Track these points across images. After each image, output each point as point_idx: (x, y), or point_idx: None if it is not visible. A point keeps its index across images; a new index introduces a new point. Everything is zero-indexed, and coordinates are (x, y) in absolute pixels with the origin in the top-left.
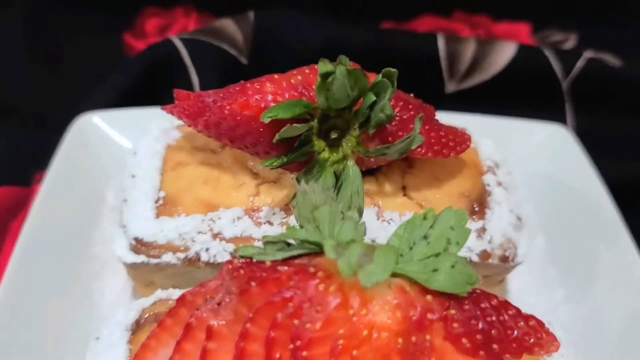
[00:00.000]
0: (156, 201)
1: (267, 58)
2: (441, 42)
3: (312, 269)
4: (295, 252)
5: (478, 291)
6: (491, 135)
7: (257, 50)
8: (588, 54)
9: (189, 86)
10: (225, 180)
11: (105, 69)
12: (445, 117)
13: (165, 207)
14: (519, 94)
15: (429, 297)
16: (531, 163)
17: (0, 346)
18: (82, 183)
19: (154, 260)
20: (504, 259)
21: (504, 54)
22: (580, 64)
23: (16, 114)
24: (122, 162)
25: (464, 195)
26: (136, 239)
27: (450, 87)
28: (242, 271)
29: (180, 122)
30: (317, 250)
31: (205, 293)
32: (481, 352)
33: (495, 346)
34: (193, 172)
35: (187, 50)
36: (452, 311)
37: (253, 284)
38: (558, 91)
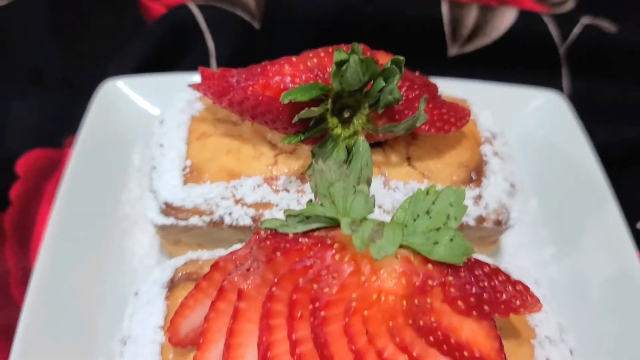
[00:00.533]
0: (183, 169)
1: (279, 23)
2: (445, 8)
3: (329, 241)
4: (314, 226)
5: (473, 260)
6: (489, 102)
7: (269, 15)
8: (585, 20)
9: (205, 51)
10: (246, 151)
11: (128, 33)
12: (448, 84)
13: (191, 174)
14: (518, 58)
15: (429, 266)
16: (527, 129)
17: (43, 302)
18: (109, 146)
19: (182, 223)
20: (498, 222)
21: (505, 19)
22: (577, 30)
23: (46, 80)
24: (146, 126)
25: (463, 165)
26: (166, 204)
27: (453, 50)
28: (268, 242)
29: (200, 103)
30: (333, 224)
31: (235, 260)
32: (474, 313)
33: (486, 307)
34: (216, 142)
35: (203, 17)
36: (450, 278)
37: (278, 253)
38: (555, 56)
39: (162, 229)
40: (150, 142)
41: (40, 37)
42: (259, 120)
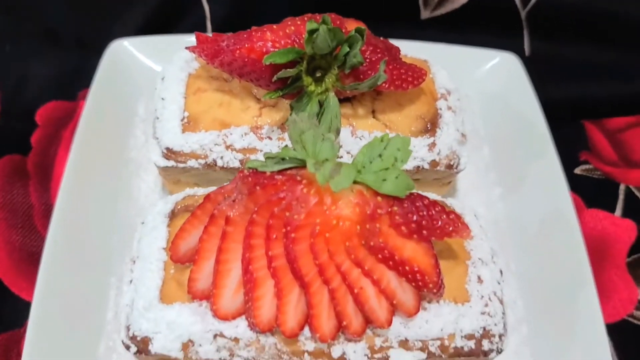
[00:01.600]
0: (182, 119)
1: None
2: None
3: (299, 178)
4: (287, 165)
5: (415, 194)
6: (451, 62)
7: None
8: None
9: (202, 15)
10: (235, 104)
11: None
12: (415, 45)
13: (189, 124)
14: (484, 21)
15: (379, 198)
16: (484, 86)
17: (64, 232)
18: (117, 99)
19: (181, 165)
20: (449, 167)
21: None
22: None
23: (59, 40)
24: (149, 81)
25: (420, 117)
26: (167, 149)
27: (425, 14)
28: (250, 179)
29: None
30: (303, 165)
31: (224, 193)
32: (414, 236)
33: (424, 232)
34: (210, 97)
35: None
36: (395, 208)
37: (257, 187)
38: (517, 20)
39: (164, 171)
40: (153, 95)
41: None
42: (246, 78)
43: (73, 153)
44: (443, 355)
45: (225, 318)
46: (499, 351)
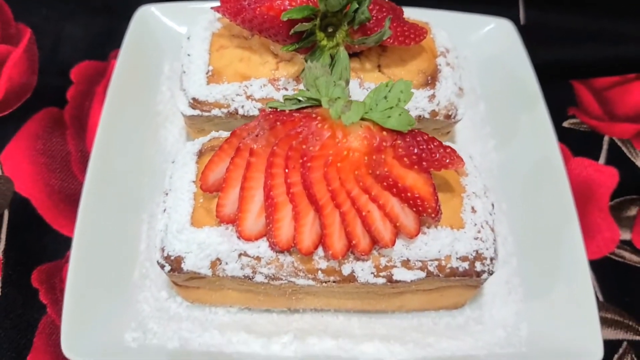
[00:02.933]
0: (207, 73)
1: None
2: None
3: (314, 115)
4: (303, 105)
5: (416, 130)
6: (450, 27)
7: None
8: None
9: None
10: (255, 59)
11: None
12: (416, 11)
13: (213, 77)
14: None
15: (384, 132)
16: (481, 49)
17: (100, 176)
18: (145, 59)
19: (205, 114)
20: (447, 117)
21: None
22: None
23: (90, 5)
24: (174, 43)
25: (422, 72)
26: (193, 99)
27: None
28: (271, 116)
29: (219, 22)
30: (318, 104)
31: (248, 129)
32: (415, 167)
33: (424, 163)
34: (232, 53)
35: None
36: (399, 141)
37: (278, 123)
38: None
39: (189, 120)
40: (177, 56)
41: None
42: (265, 34)
43: (106, 106)
44: (440, 275)
45: (248, 238)
46: (490, 273)
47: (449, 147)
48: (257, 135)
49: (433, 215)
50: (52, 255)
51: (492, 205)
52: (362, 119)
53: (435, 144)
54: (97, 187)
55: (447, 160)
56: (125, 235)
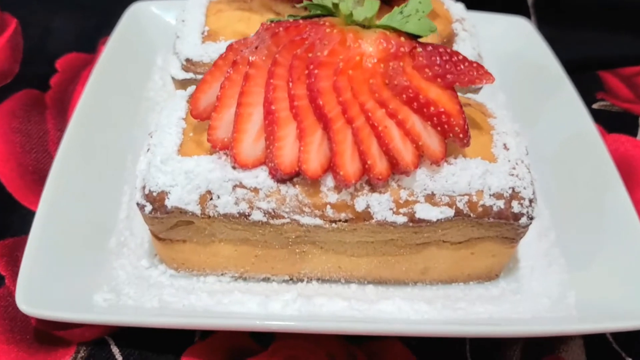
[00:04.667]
0: (202, 33)
1: None
2: None
3: (322, 22)
4: (311, 13)
5: (437, 45)
6: None
7: None
8: None
9: None
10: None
11: None
12: None
13: (209, 36)
14: (492, 9)
15: (402, 38)
16: (497, 44)
17: (74, 147)
18: (136, 47)
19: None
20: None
21: None
22: None
23: (81, 5)
24: (170, 38)
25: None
26: (187, 60)
27: None
28: (272, 25)
29: None
30: (326, 12)
31: (246, 43)
32: (438, 80)
33: (449, 76)
34: (230, 15)
35: None
36: (419, 49)
37: (281, 28)
38: (525, 6)
39: (181, 85)
40: (171, 47)
41: None
42: None
43: (89, 83)
44: (472, 214)
45: (245, 165)
46: (530, 217)
47: (475, 62)
48: (256, 48)
49: (461, 135)
50: (18, 231)
51: (526, 149)
52: (377, 26)
53: (460, 57)
54: (70, 156)
55: (474, 74)
56: (103, 203)
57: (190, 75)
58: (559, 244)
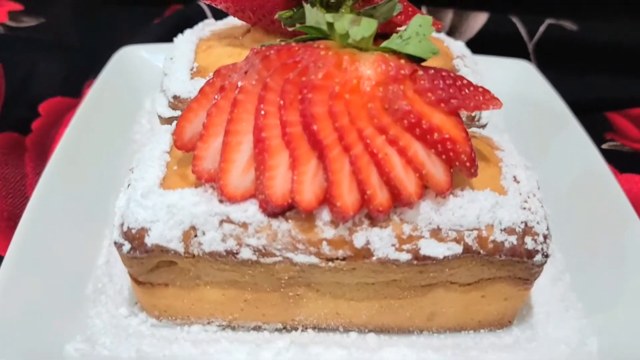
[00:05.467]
0: (191, 69)
1: None
2: (424, 11)
3: (315, 45)
4: (304, 37)
5: (439, 68)
6: None
7: None
8: (549, 21)
9: None
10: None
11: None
12: None
13: (198, 72)
14: (493, 54)
15: (402, 61)
16: (501, 88)
17: (51, 188)
18: (123, 90)
19: None
20: (471, 119)
21: (478, 21)
22: (542, 28)
23: (67, 46)
24: (157, 83)
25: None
26: (174, 97)
27: None
28: (263, 49)
29: (208, 29)
30: (320, 36)
31: (235, 68)
32: (442, 105)
33: (453, 101)
34: (221, 51)
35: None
36: (420, 72)
37: (272, 51)
38: (525, 52)
39: (168, 123)
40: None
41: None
42: (258, 14)
43: (72, 124)
44: (482, 251)
45: (233, 197)
46: (545, 255)
47: (481, 87)
48: (246, 72)
49: (468, 163)
50: None
51: (537, 183)
52: (375, 49)
53: (464, 81)
54: (47, 198)
55: (481, 99)
56: (80, 247)
57: (177, 112)
58: (576, 287)
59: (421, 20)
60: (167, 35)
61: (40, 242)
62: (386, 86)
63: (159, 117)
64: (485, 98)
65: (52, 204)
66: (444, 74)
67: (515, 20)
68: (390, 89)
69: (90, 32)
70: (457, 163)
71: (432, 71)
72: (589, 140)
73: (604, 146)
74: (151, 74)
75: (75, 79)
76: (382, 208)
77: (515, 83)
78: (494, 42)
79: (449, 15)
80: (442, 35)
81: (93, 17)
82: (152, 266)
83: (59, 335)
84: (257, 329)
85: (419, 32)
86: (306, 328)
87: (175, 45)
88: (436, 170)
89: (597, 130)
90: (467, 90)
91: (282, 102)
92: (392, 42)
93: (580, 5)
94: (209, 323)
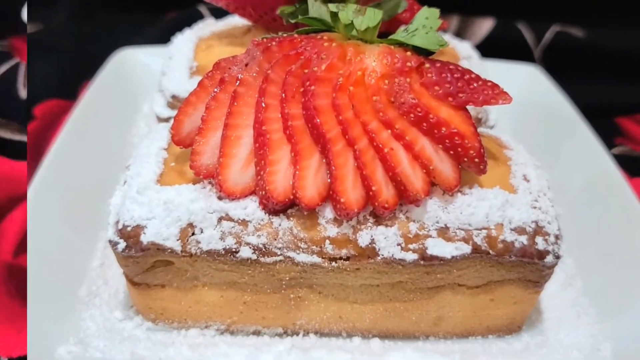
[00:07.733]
0: (190, 68)
1: None
2: None
3: (319, 36)
4: (307, 29)
5: (446, 61)
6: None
7: None
8: (556, 28)
9: None
10: None
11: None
12: None
13: (197, 71)
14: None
15: (408, 53)
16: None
17: (47, 185)
18: (120, 92)
19: None
20: (478, 120)
21: (483, 27)
22: (548, 35)
23: (63, 49)
24: (155, 84)
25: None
26: (173, 96)
27: None
28: (264, 41)
29: (208, 29)
30: (323, 28)
31: (235, 61)
32: (450, 99)
33: (461, 95)
34: (221, 50)
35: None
36: (427, 65)
37: (273, 43)
38: (531, 58)
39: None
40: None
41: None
42: (259, 11)
43: (67, 125)
44: (491, 251)
45: (232, 194)
46: (556, 255)
47: (490, 80)
48: (246, 65)
49: (477, 159)
50: None
51: (547, 183)
52: (380, 41)
53: (472, 74)
54: (40, 199)
55: (489, 93)
56: (75, 249)
57: (175, 112)
58: (588, 292)
59: (428, 12)
60: (164, 39)
61: (35, 243)
62: (392, 79)
63: (157, 117)
64: (494, 92)
65: (45, 206)
66: (451, 67)
67: (521, 26)
68: (396, 82)
69: (87, 37)
70: (465, 159)
71: (439, 64)
72: (599, 144)
73: (614, 151)
74: (149, 77)
75: (71, 82)
76: (387, 205)
77: (523, 88)
78: (500, 48)
79: (454, 21)
80: (449, 37)
81: (90, 23)
82: (148, 266)
83: (51, 337)
84: (257, 333)
85: (426, 24)
86: (308, 333)
87: (174, 44)
88: (444, 166)
89: (606, 135)
90: (475, 84)
91: (283, 94)
92: (398, 34)
93: (586, 12)
94: (206, 327)
